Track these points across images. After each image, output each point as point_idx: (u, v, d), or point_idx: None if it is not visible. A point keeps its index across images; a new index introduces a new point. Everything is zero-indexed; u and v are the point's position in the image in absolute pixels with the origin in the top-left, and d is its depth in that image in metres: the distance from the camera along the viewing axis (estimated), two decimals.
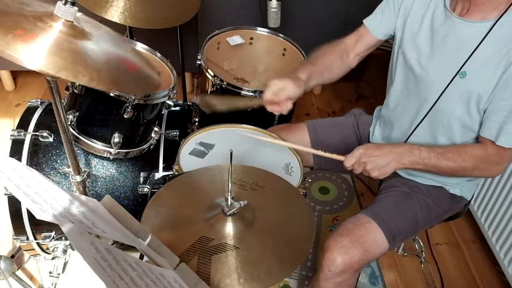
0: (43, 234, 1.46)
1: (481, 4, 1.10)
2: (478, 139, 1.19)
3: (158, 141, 1.53)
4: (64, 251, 1.50)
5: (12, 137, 1.38)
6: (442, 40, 1.18)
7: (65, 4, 0.92)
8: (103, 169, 1.45)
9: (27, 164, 1.37)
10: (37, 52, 0.85)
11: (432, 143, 1.25)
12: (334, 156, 1.20)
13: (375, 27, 1.34)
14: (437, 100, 1.19)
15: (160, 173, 1.50)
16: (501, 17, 1.07)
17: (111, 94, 1.31)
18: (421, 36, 1.23)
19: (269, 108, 1.23)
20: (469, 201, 1.39)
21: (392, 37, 1.34)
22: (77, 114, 1.37)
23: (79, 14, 1.00)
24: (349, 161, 1.17)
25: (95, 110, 1.38)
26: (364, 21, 1.36)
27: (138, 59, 1.12)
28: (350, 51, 1.39)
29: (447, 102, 1.18)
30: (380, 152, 1.16)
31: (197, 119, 1.86)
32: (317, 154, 1.21)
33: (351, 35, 1.39)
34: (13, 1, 0.93)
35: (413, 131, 1.27)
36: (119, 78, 0.98)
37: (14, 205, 1.38)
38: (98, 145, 1.40)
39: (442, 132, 1.24)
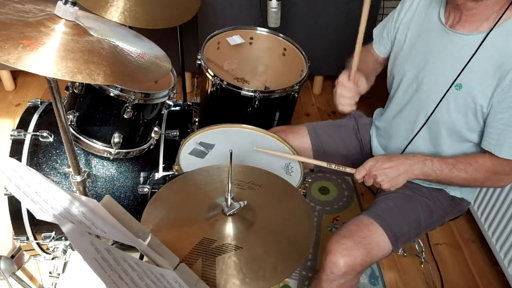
0: (43, 234, 1.46)
1: (472, 15, 1.10)
2: (479, 150, 1.18)
3: (158, 141, 1.53)
4: (64, 251, 1.50)
5: (12, 137, 1.38)
6: (437, 53, 1.18)
7: (65, 3, 0.91)
8: (103, 169, 1.45)
9: (27, 164, 1.37)
10: (48, 59, 0.83)
11: (432, 153, 1.26)
12: (346, 169, 1.22)
13: (379, 51, 1.42)
14: (432, 112, 1.20)
15: (160, 173, 1.50)
16: (492, 29, 1.07)
17: (111, 94, 1.31)
18: (417, 48, 1.23)
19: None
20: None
21: None
22: (77, 114, 1.37)
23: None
24: (359, 173, 1.18)
25: (95, 110, 1.38)
26: (373, 45, 1.43)
27: (143, 45, 1.11)
28: (377, 57, 1.45)
29: (445, 114, 1.19)
30: (391, 164, 1.16)
31: (197, 119, 1.86)
32: (331, 168, 1.23)
33: (372, 47, 1.45)
34: (13, 9, 0.92)
35: (410, 141, 1.28)
36: (131, 69, 0.97)
37: (14, 205, 1.38)
38: (98, 145, 1.40)
39: (441, 143, 1.24)
